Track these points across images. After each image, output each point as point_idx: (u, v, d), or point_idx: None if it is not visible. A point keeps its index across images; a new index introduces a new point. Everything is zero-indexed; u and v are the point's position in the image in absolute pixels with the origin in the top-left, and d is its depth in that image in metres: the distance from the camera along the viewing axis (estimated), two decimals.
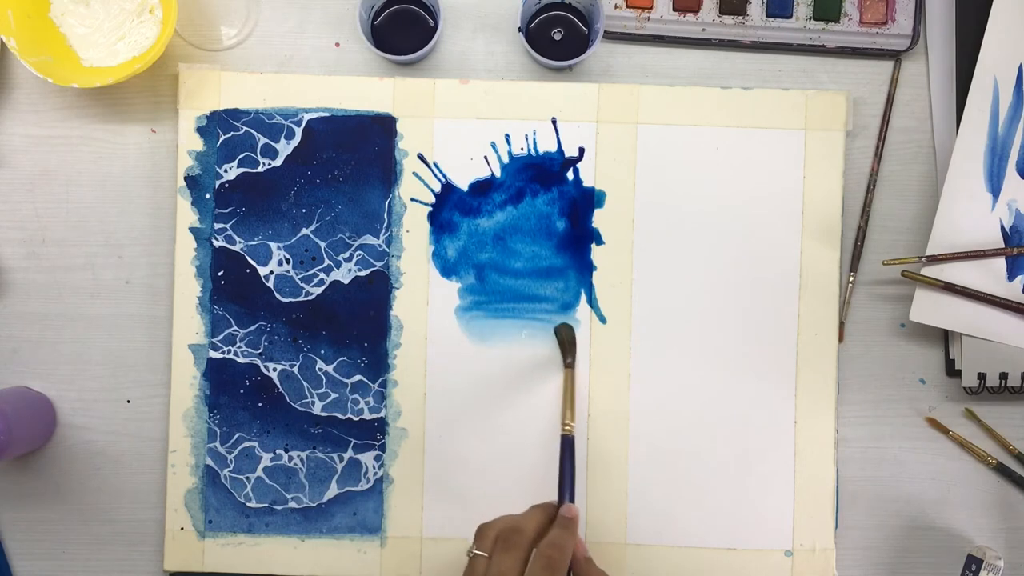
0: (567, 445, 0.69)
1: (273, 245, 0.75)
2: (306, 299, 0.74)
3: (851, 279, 0.75)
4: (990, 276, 0.72)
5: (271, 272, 0.75)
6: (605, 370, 0.74)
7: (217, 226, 0.74)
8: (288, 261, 0.75)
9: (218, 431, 0.74)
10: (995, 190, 0.73)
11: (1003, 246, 0.73)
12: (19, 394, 0.74)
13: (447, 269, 0.75)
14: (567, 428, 0.70)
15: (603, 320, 0.74)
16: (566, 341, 0.73)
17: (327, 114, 0.75)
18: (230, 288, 0.74)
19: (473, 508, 0.74)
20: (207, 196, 0.75)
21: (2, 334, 0.76)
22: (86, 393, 0.75)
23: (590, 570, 0.64)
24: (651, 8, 0.75)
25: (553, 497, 0.68)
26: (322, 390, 0.74)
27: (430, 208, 0.75)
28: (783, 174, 0.74)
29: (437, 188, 0.75)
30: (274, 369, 0.74)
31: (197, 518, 0.74)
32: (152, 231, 0.76)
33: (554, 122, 0.75)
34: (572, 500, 0.68)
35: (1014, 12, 0.73)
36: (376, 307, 0.74)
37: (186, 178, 0.75)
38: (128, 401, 0.75)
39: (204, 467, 0.74)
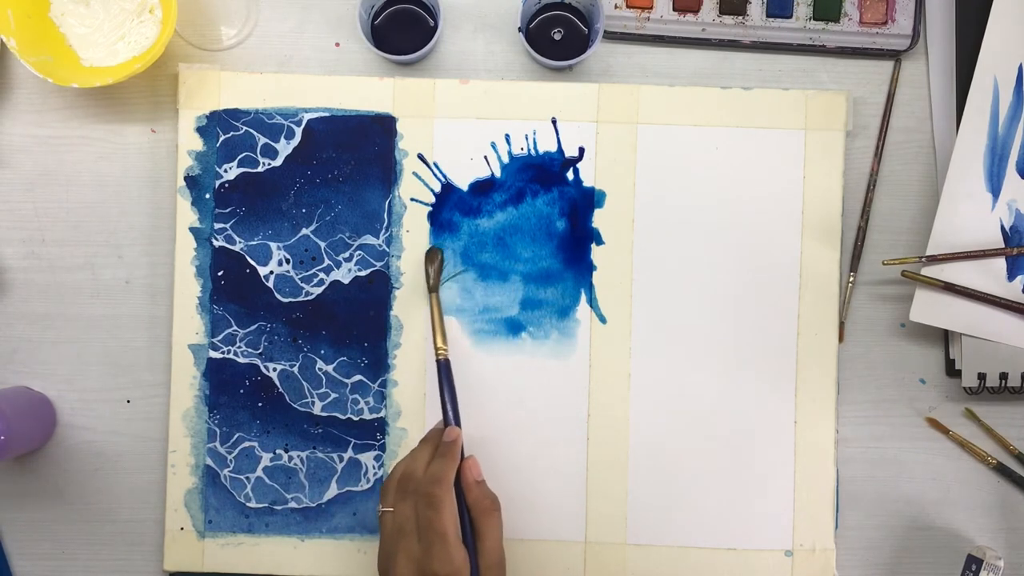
0: (443, 369, 0.70)
1: (273, 245, 0.75)
2: (306, 299, 0.74)
3: (851, 279, 0.75)
4: (990, 276, 0.72)
5: (271, 272, 0.75)
6: (605, 370, 0.74)
7: (217, 226, 0.74)
8: (288, 261, 0.75)
9: (218, 431, 0.74)
10: (995, 190, 0.73)
11: (1003, 246, 0.73)
12: (19, 394, 0.74)
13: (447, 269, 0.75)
14: (441, 352, 0.70)
15: (603, 320, 0.74)
16: (432, 265, 0.73)
17: (327, 114, 0.75)
18: (230, 288, 0.74)
19: None
20: (207, 196, 0.75)
21: (2, 334, 0.76)
22: (86, 393, 0.75)
23: (480, 495, 0.65)
24: (651, 8, 0.75)
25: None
26: (322, 390, 0.74)
27: (430, 208, 0.75)
28: (783, 174, 0.74)
29: (437, 188, 0.75)
30: (274, 369, 0.74)
31: (197, 518, 0.74)
32: (152, 231, 0.76)
33: (554, 122, 0.75)
34: (458, 424, 0.69)
35: (1014, 12, 0.73)
36: (376, 307, 0.74)
37: (186, 178, 0.75)
38: (128, 401, 0.75)
39: (204, 467, 0.74)
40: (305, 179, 0.75)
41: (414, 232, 0.75)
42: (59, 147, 0.76)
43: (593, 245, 0.74)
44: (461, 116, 0.75)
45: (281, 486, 0.74)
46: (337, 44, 0.76)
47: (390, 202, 0.75)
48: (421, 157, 0.75)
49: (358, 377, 0.74)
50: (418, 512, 0.63)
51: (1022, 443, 0.75)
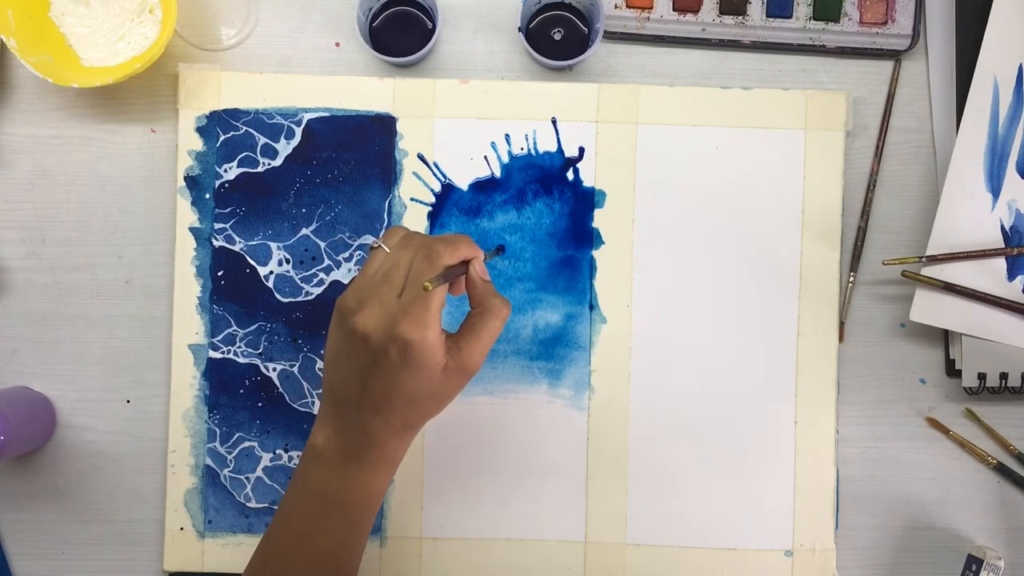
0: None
1: (273, 245, 0.75)
2: (306, 299, 0.74)
3: (851, 279, 0.75)
4: (990, 276, 0.72)
5: (271, 272, 0.75)
6: (605, 370, 0.74)
7: (217, 226, 0.74)
8: (288, 261, 0.75)
9: (218, 431, 0.74)
10: (995, 190, 0.73)
11: (1003, 246, 0.73)
12: (19, 394, 0.74)
13: None
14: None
15: (603, 320, 0.74)
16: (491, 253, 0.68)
17: (327, 114, 0.75)
18: (230, 288, 0.74)
19: (473, 508, 0.74)
20: (207, 196, 0.75)
21: (2, 334, 0.76)
22: (86, 393, 0.75)
23: (487, 292, 0.59)
24: (651, 8, 0.75)
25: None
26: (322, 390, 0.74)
27: (430, 208, 0.75)
28: (783, 174, 0.74)
29: (437, 188, 0.75)
30: (274, 369, 0.74)
31: (197, 518, 0.74)
32: (152, 231, 0.76)
33: (554, 122, 0.75)
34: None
35: (1014, 12, 0.73)
36: None
37: (186, 178, 0.75)
38: (128, 401, 0.75)
39: (204, 467, 0.74)
40: (305, 179, 0.75)
41: None
42: (59, 147, 0.76)
43: (593, 245, 0.74)
44: (461, 116, 0.75)
45: (281, 486, 0.74)
46: (337, 44, 0.76)
47: (390, 202, 0.75)
48: (421, 157, 0.75)
49: None
50: (413, 264, 0.56)
51: (1022, 443, 0.75)
